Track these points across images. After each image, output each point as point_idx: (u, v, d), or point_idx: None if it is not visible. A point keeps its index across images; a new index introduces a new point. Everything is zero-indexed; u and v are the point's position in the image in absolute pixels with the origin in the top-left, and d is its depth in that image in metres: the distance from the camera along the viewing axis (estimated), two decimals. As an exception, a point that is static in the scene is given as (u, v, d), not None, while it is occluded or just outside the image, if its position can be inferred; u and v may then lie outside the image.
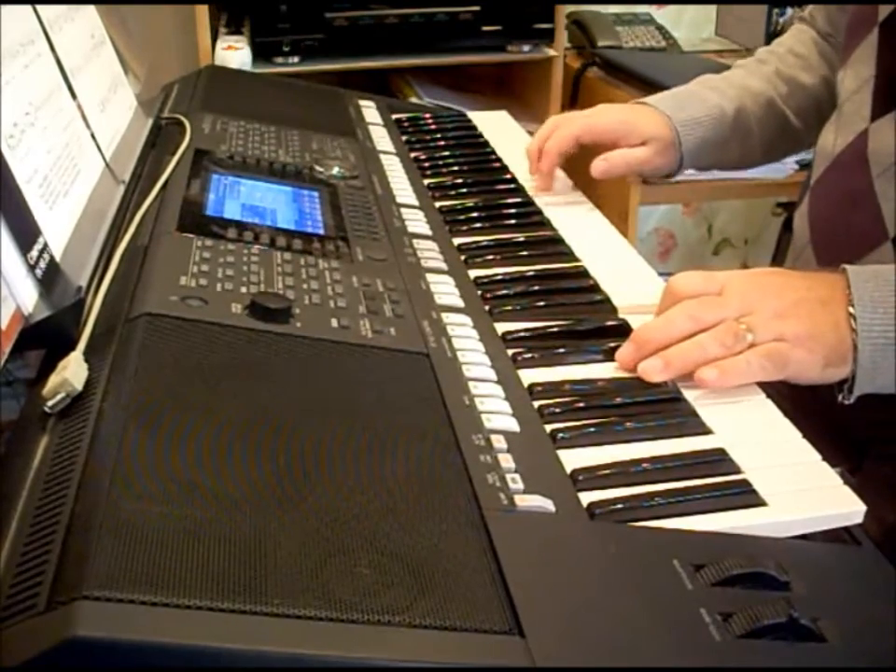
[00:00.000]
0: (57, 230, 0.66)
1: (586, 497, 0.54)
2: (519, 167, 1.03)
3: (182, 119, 0.97)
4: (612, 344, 0.69)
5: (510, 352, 0.69)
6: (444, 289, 0.75)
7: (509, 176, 1.02)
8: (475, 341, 0.68)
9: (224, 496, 0.46)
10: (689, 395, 0.65)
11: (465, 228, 0.89)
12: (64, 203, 0.69)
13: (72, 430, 0.51)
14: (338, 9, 1.65)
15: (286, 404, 0.55)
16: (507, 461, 0.55)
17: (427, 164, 1.04)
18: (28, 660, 0.37)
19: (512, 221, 0.91)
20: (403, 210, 0.90)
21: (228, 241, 0.73)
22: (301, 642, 0.40)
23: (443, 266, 0.80)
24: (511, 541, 0.48)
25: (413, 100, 1.72)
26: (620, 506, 0.54)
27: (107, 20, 0.99)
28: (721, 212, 2.40)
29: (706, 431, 0.62)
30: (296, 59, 1.64)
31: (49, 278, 0.61)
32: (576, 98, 1.89)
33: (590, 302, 0.76)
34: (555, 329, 0.72)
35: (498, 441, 0.57)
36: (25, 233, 0.60)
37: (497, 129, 1.18)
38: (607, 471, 0.57)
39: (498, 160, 1.07)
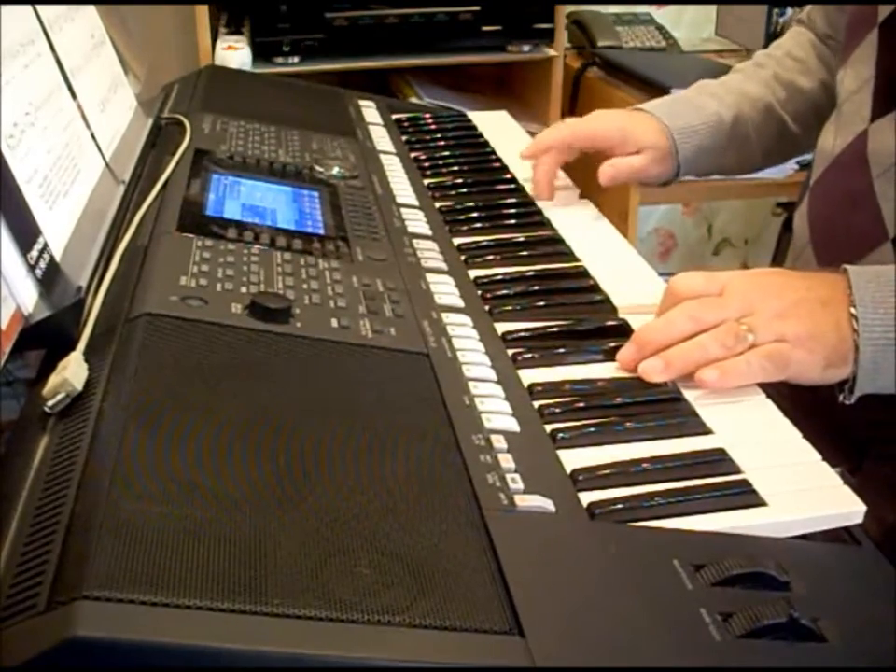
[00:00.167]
0: (57, 230, 0.66)
1: (586, 497, 0.54)
2: (519, 167, 1.03)
3: (182, 118, 0.97)
4: (612, 344, 0.69)
5: (510, 352, 0.69)
6: (444, 289, 0.75)
7: (509, 176, 1.02)
8: (475, 341, 0.68)
9: (224, 496, 0.46)
10: (689, 395, 0.65)
11: (465, 228, 0.89)
12: (64, 203, 0.69)
13: (72, 430, 0.51)
14: (338, 9, 1.65)
15: (286, 404, 0.55)
16: (507, 461, 0.55)
17: (426, 164, 1.04)
18: (28, 660, 0.37)
19: (512, 221, 0.91)
20: (403, 210, 0.90)
21: (228, 241, 0.73)
22: (301, 642, 0.40)
23: (443, 266, 0.80)
24: (511, 541, 0.48)
25: (413, 100, 1.72)
26: (620, 506, 0.54)
27: (107, 20, 0.99)
28: (721, 212, 2.40)
29: (706, 431, 0.62)
30: (296, 59, 1.64)
31: (49, 278, 0.61)
32: (576, 98, 1.89)
33: (590, 302, 0.76)
34: (555, 329, 0.72)
35: (498, 441, 0.57)
36: (25, 233, 0.60)
37: (497, 129, 1.18)
38: (607, 471, 0.57)
39: (498, 160, 1.07)
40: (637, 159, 0.95)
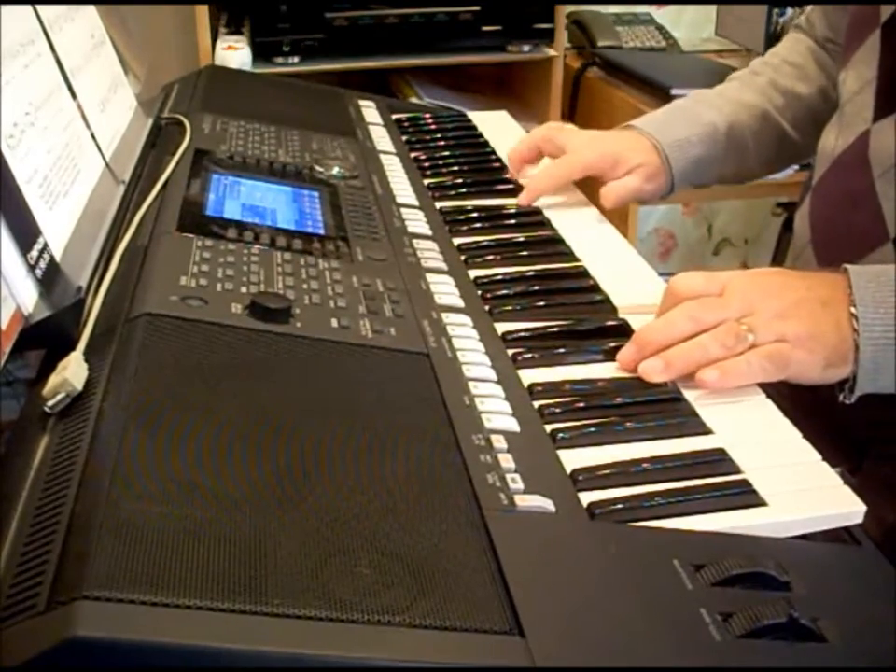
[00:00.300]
0: (57, 230, 0.66)
1: (586, 497, 0.54)
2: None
3: (182, 119, 0.97)
4: (612, 344, 0.69)
5: (510, 352, 0.69)
6: (444, 289, 0.75)
7: (509, 176, 1.02)
8: (475, 341, 0.68)
9: (224, 496, 0.46)
10: (689, 395, 0.65)
11: (465, 228, 0.89)
12: (64, 203, 0.69)
13: (72, 430, 0.51)
14: (338, 9, 1.65)
15: (286, 404, 0.55)
16: (507, 461, 0.55)
17: (427, 164, 1.04)
18: (28, 660, 0.37)
19: (512, 221, 0.91)
20: (403, 210, 0.90)
21: (228, 241, 0.73)
22: (301, 642, 0.40)
23: (443, 266, 0.80)
24: (511, 541, 0.48)
25: (413, 100, 1.72)
26: (620, 506, 0.54)
27: (107, 20, 0.99)
28: (721, 212, 2.40)
29: (706, 431, 0.62)
30: (296, 59, 1.64)
31: (49, 278, 0.61)
32: (576, 98, 1.89)
33: (590, 302, 0.76)
34: (555, 329, 0.72)
35: (498, 441, 0.57)
36: (25, 233, 0.60)
37: (497, 129, 1.18)
38: (607, 471, 0.57)
39: (498, 160, 1.07)
40: (630, 179, 0.94)
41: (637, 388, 0.65)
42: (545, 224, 0.91)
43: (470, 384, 0.62)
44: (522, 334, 0.71)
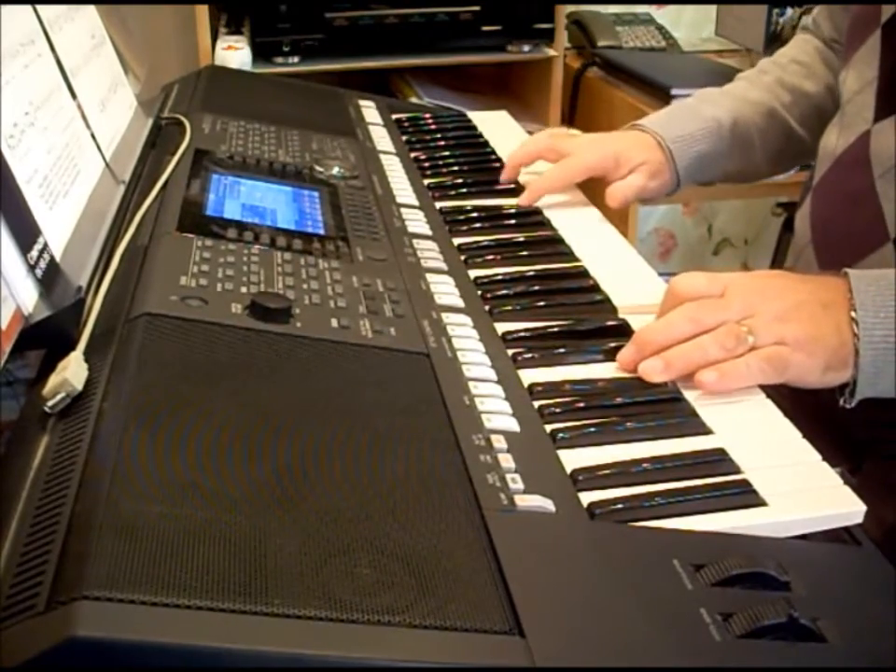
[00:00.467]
0: (57, 230, 0.66)
1: (586, 497, 0.54)
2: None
3: (182, 119, 0.98)
4: (612, 344, 0.69)
5: (510, 352, 0.69)
6: (444, 289, 0.75)
7: (502, 179, 1.01)
8: (475, 341, 0.68)
9: (224, 496, 0.46)
10: (689, 395, 0.65)
11: (465, 228, 0.89)
12: (64, 203, 0.69)
13: (72, 430, 0.51)
14: (338, 9, 1.65)
15: (286, 404, 0.55)
16: (507, 461, 0.55)
17: (427, 164, 1.04)
18: (28, 660, 0.37)
19: (512, 221, 0.91)
20: (403, 210, 0.90)
21: (228, 241, 0.73)
22: (301, 642, 0.40)
23: (443, 266, 0.80)
24: (511, 541, 0.48)
25: (413, 100, 1.72)
26: (620, 506, 0.54)
27: (107, 20, 0.99)
28: (721, 212, 2.40)
29: (706, 431, 0.62)
30: (296, 59, 1.64)
31: (50, 278, 0.61)
32: (576, 98, 1.89)
33: (590, 302, 0.76)
34: (555, 329, 0.72)
35: (498, 441, 0.57)
36: (25, 233, 0.60)
37: (497, 129, 1.18)
38: (607, 471, 0.57)
39: (498, 160, 1.07)
40: (633, 177, 0.94)
41: (637, 388, 0.65)
42: (545, 224, 0.91)
43: (470, 384, 0.62)
44: (522, 334, 0.71)
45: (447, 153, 1.08)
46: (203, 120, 0.99)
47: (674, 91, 1.58)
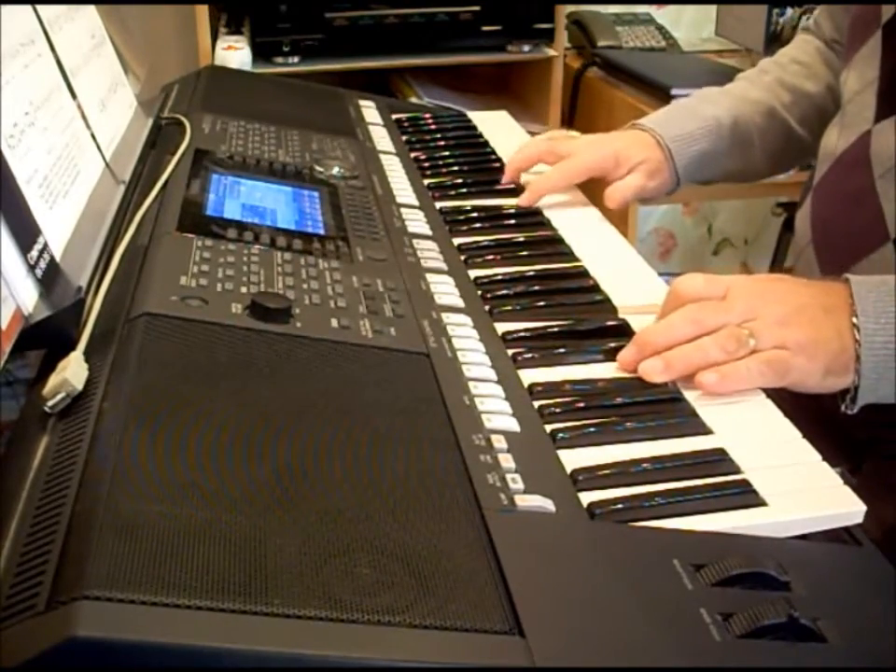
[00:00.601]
0: (57, 230, 0.66)
1: (586, 497, 0.54)
2: (519, 167, 1.02)
3: (182, 119, 0.98)
4: (612, 344, 0.69)
5: (510, 352, 0.69)
6: (444, 289, 0.75)
7: (504, 181, 1.01)
8: (475, 341, 0.68)
9: (224, 495, 0.46)
10: (689, 395, 0.65)
11: (465, 228, 0.89)
12: (64, 203, 0.69)
13: (72, 430, 0.51)
14: (338, 9, 1.65)
15: (286, 404, 0.55)
16: (507, 461, 0.55)
17: (426, 164, 1.04)
18: (28, 660, 0.37)
19: (512, 221, 0.91)
20: (403, 210, 0.90)
21: (228, 241, 0.73)
22: (301, 642, 0.40)
23: (443, 266, 0.80)
24: (511, 541, 0.48)
25: (413, 100, 1.72)
26: (620, 506, 0.54)
27: (107, 20, 0.99)
28: (721, 212, 2.40)
29: (706, 431, 0.62)
30: (296, 59, 1.64)
31: (50, 278, 0.61)
32: (576, 98, 1.89)
33: (590, 302, 0.76)
34: (555, 329, 0.72)
35: (499, 441, 0.57)
36: (25, 233, 0.60)
37: (497, 129, 1.18)
38: (607, 471, 0.57)
39: (498, 160, 1.07)
40: (632, 177, 0.95)
41: (636, 388, 0.65)
42: (545, 224, 0.91)
43: (470, 384, 0.62)
44: (522, 334, 0.71)
45: (447, 153, 1.08)
46: (202, 120, 0.99)
47: (674, 91, 1.58)
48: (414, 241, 0.83)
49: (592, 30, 1.93)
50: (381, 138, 1.09)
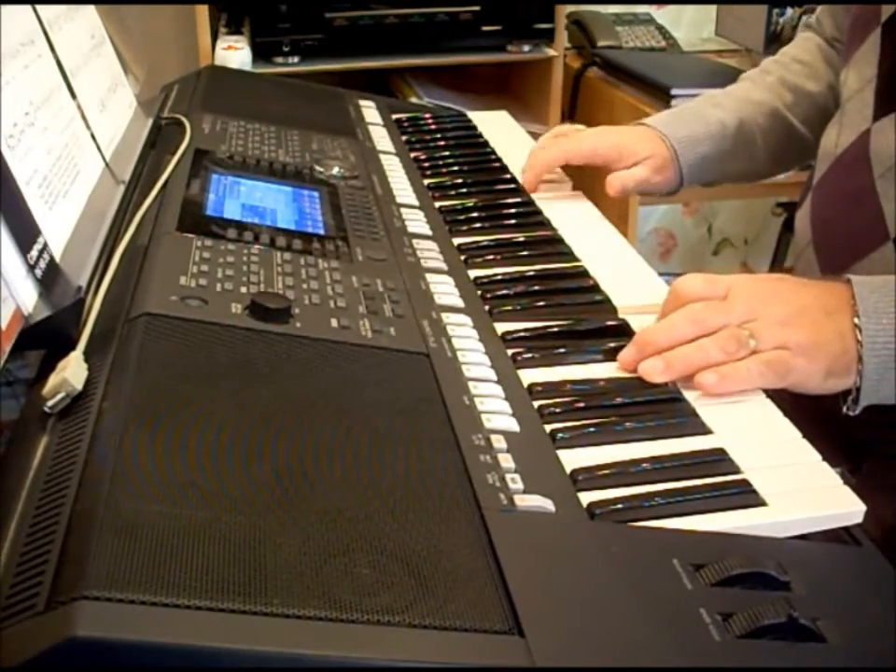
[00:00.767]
0: (57, 230, 0.66)
1: (586, 497, 0.54)
2: (519, 167, 1.02)
3: (182, 119, 0.97)
4: (612, 344, 0.69)
5: (509, 352, 0.69)
6: (444, 289, 0.75)
7: (509, 176, 1.02)
8: (475, 341, 0.68)
9: (224, 495, 0.46)
10: (689, 395, 0.65)
11: (465, 228, 0.89)
12: (64, 204, 0.69)
13: (72, 430, 0.51)
14: (338, 9, 1.65)
15: (286, 404, 0.55)
16: (507, 461, 0.55)
17: (426, 164, 1.04)
18: (28, 660, 0.37)
19: (512, 221, 0.91)
20: (403, 210, 0.90)
21: (228, 241, 0.73)
22: (301, 642, 0.40)
23: (443, 266, 0.80)
24: (510, 541, 0.48)
25: (413, 100, 1.72)
26: (620, 506, 0.54)
27: (107, 20, 0.99)
28: (721, 212, 2.40)
29: (706, 431, 0.62)
30: (296, 59, 1.64)
31: (49, 278, 0.61)
32: (576, 98, 1.89)
33: (590, 302, 0.76)
34: (555, 329, 0.72)
35: (498, 441, 0.57)
36: (25, 233, 0.60)
37: (497, 129, 1.18)
38: (607, 471, 0.57)
39: (498, 160, 1.07)
40: (638, 169, 0.95)
41: (636, 388, 0.65)
42: (545, 224, 0.91)
43: (470, 384, 0.62)
44: (522, 334, 0.71)
45: (447, 153, 1.08)
46: (202, 120, 0.99)
47: (674, 91, 1.58)
48: (414, 241, 0.83)
49: (592, 30, 1.93)
50: (381, 138, 1.09)
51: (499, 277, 0.80)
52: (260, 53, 1.62)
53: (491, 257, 0.83)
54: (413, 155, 1.07)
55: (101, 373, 0.56)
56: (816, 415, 0.70)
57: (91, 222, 0.72)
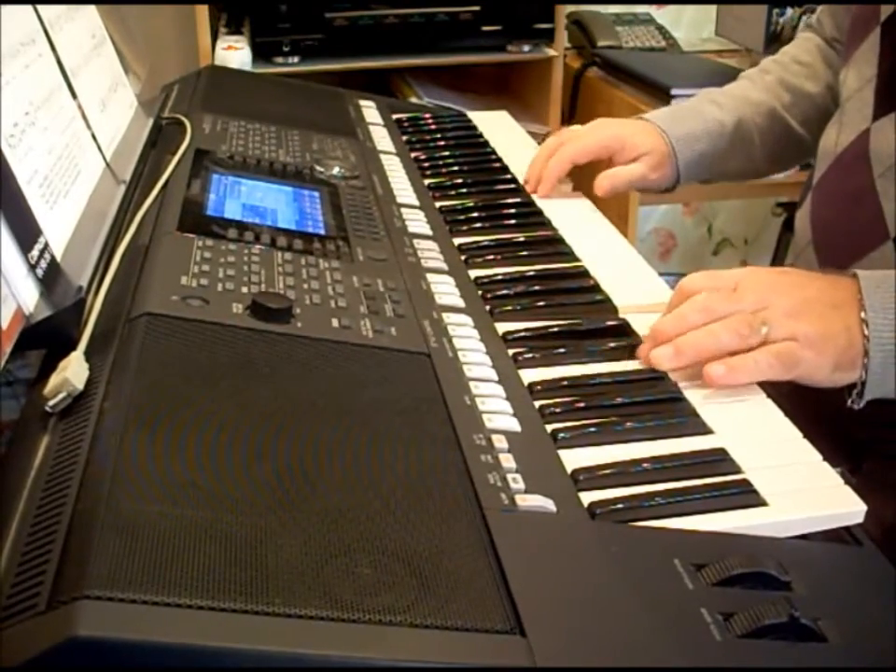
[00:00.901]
0: (58, 229, 0.66)
1: (587, 497, 0.54)
2: (519, 167, 1.03)
3: (182, 118, 0.98)
4: (613, 344, 0.69)
5: (510, 352, 0.69)
6: (445, 289, 0.75)
7: (509, 176, 1.02)
8: (476, 341, 0.68)
9: (224, 495, 0.46)
10: (689, 394, 0.65)
11: (465, 228, 0.89)
12: (65, 203, 0.69)
13: (73, 430, 0.51)
14: (338, 9, 1.65)
15: (286, 404, 0.55)
16: (508, 461, 0.55)
17: (426, 164, 1.04)
18: (29, 660, 0.37)
19: (512, 221, 0.91)
20: (403, 210, 0.90)
21: (228, 241, 0.73)
22: (302, 642, 0.40)
23: (444, 266, 0.80)
24: (512, 541, 0.48)
25: (413, 100, 1.72)
26: (620, 506, 0.54)
27: (107, 20, 0.99)
28: (721, 212, 2.40)
29: (706, 431, 0.62)
30: (296, 59, 1.64)
31: (50, 278, 0.61)
32: (576, 98, 1.89)
33: (590, 302, 0.76)
34: (556, 329, 0.72)
35: (499, 441, 0.57)
36: (26, 233, 0.60)
37: (497, 129, 1.18)
38: (607, 471, 0.57)
39: (498, 160, 1.07)
40: (636, 166, 0.95)
41: (637, 388, 0.65)
42: (545, 224, 0.91)
43: (471, 383, 0.62)
44: (522, 334, 0.71)
45: (447, 153, 1.08)
46: (203, 120, 0.99)
47: (674, 91, 1.58)
48: (415, 241, 0.83)
49: (592, 30, 1.93)
50: (381, 138, 1.09)
51: (500, 277, 0.80)
52: (260, 53, 1.62)
53: (491, 257, 0.83)
54: (413, 155, 1.07)
55: (102, 373, 0.56)
56: (816, 415, 0.70)
57: (91, 222, 0.72)
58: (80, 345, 0.59)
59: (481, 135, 1.15)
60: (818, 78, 1.01)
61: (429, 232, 0.86)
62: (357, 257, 0.76)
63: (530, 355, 0.68)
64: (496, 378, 0.64)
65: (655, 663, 0.43)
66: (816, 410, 0.72)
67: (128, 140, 0.90)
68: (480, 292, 0.77)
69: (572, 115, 1.90)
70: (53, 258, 0.63)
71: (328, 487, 0.49)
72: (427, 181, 0.99)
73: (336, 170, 0.94)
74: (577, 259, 0.84)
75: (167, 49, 1.87)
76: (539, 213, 0.93)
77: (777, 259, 2.11)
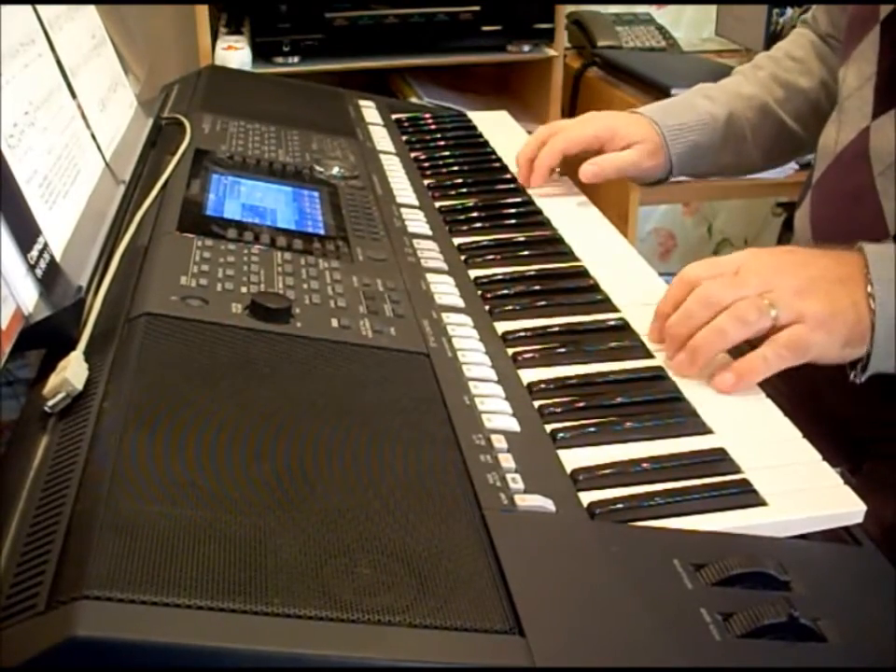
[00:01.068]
0: (57, 229, 0.66)
1: (586, 497, 0.54)
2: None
3: (182, 119, 0.97)
4: (612, 344, 0.69)
5: (510, 351, 0.69)
6: (444, 289, 0.75)
7: (509, 176, 1.02)
8: (475, 340, 0.68)
9: (224, 495, 0.46)
10: (689, 394, 0.65)
11: (465, 228, 0.89)
12: (65, 203, 0.69)
13: (72, 430, 0.51)
14: (338, 9, 1.65)
15: (286, 404, 0.55)
16: (507, 461, 0.55)
17: (426, 164, 1.04)
18: (28, 660, 0.37)
19: (512, 221, 0.91)
20: (403, 210, 0.90)
21: (228, 241, 0.73)
22: (301, 642, 0.40)
23: (443, 266, 0.80)
24: (511, 541, 0.48)
25: (413, 100, 1.72)
26: (620, 506, 0.54)
27: (107, 20, 0.99)
28: (721, 212, 2.40)
29: (706, 431, 0.62)
30: (296, 59, 1.64)
31: (50, 278, 0.61)
32: (576, 98, 1.89)
33: (590, 302, 0.76)
34: (555, 329, 0.72)
35: (499, 441, 0.57)
36: (25, 233, 0.60)
37: (497, 129, 1.18)
38: (607, 471, 0.57)
39: (498, 160, 1.07)
40: (627, 153, 0.96)
41: (636, 388, 0.65)
42: (545, 224, 0.91)
43: (471, 383, 0.62)
44: (522, 334, 0.71)
45: (447, 153, 1.08)
46: (203, 120, 0.99)
47: (674, 91, 1.57)
48: (414, 241, 0.83)
49: (592, 30, 1.93)
50: (381, 138, 1.09)
51: (499, 277, 0.80)
52: (260, 53, 1.62)
53: (491, 257, 0.83)
54: (413, 155, 1.07)
55: (101, 373, 0.56)
56: (816, 415, 0.70)
57: (91, 222, 0.72)
58: (80, 345, 0.59)
59: (481, 135, 1.15)
60: (811, 74, 1.01)
61: (429, 232, 0.86)
62: (357, 257, 0.76)
63: (529, 354, 0.68)
64: (495, 378, 0.64)
65: (655, 663, 0.43)
66: (816, 410, 0.72)
67: (127, 140, 0.90)
68: (479, 292, 0.77)
69: (572, 115, 1.89)
70: (53, 258, 0.63)
71: (327, 487, 0.49)
72: (426, 181, 0.99)
73: (336, 170, 0.94)
74: (576, 259, 0.84)
75: (167, 49, 1.87)
76: (539, 213, 0.93)
77: (778, 259, 2.11)
